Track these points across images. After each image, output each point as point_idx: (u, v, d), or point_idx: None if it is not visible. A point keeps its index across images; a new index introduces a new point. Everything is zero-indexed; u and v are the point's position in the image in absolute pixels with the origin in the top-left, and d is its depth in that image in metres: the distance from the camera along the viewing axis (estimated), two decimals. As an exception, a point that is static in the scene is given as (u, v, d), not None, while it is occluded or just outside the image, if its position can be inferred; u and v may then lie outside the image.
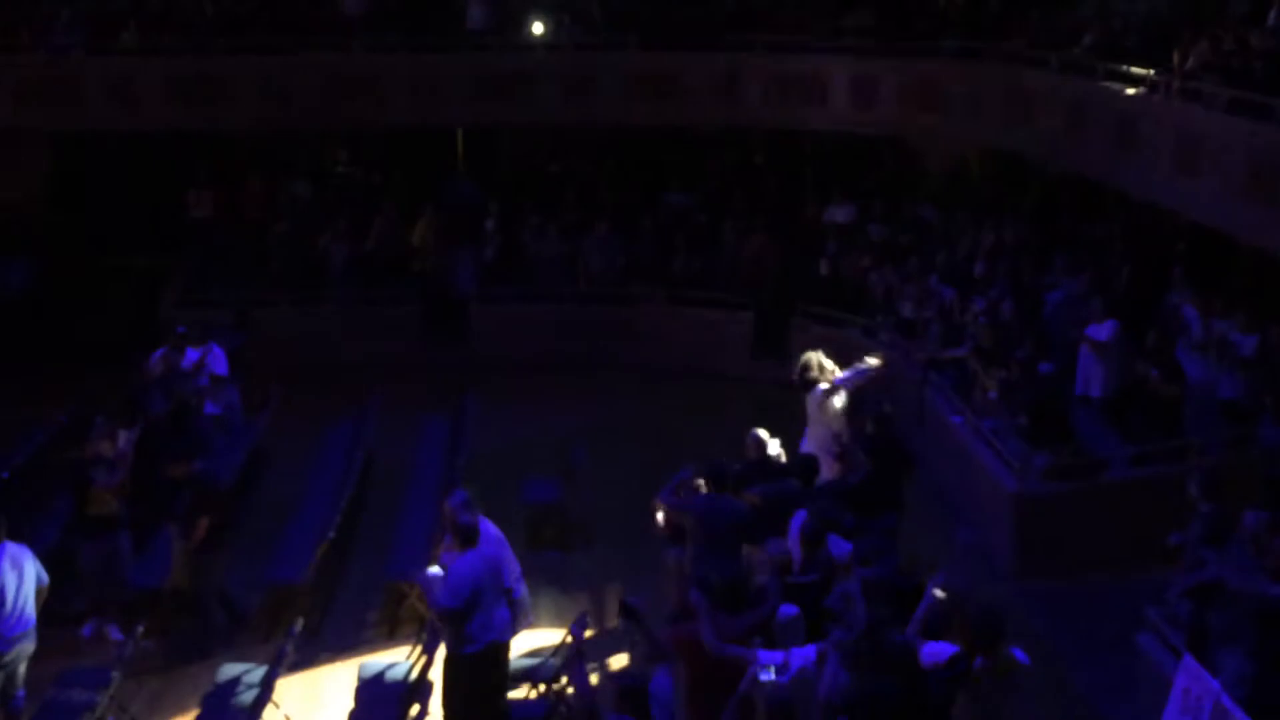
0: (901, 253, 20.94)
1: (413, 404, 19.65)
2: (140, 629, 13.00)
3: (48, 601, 12.72)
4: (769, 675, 9.81)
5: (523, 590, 12.98)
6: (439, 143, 25.46)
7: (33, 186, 25.21)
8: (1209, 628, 11.44)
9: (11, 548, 12.39)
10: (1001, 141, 21.62)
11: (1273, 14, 17.16)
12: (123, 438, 15.49)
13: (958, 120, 21.69)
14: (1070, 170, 20.55)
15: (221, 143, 25.02)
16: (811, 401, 15.18)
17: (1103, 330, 16.57)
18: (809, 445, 14.96)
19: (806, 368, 15.29)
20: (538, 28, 23.63)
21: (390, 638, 14.59)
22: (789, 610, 10.75)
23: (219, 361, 18.34)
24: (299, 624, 13.11)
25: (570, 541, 16.45)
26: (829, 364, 15.36)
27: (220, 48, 23.36)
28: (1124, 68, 18.37)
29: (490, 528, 12.77)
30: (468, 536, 12.05)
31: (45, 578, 12.60)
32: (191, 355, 18.06)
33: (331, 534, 15.08)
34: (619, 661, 13.93)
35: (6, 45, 23.42)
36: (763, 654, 10.13)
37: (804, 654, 10.12)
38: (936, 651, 9.79)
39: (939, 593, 10.26)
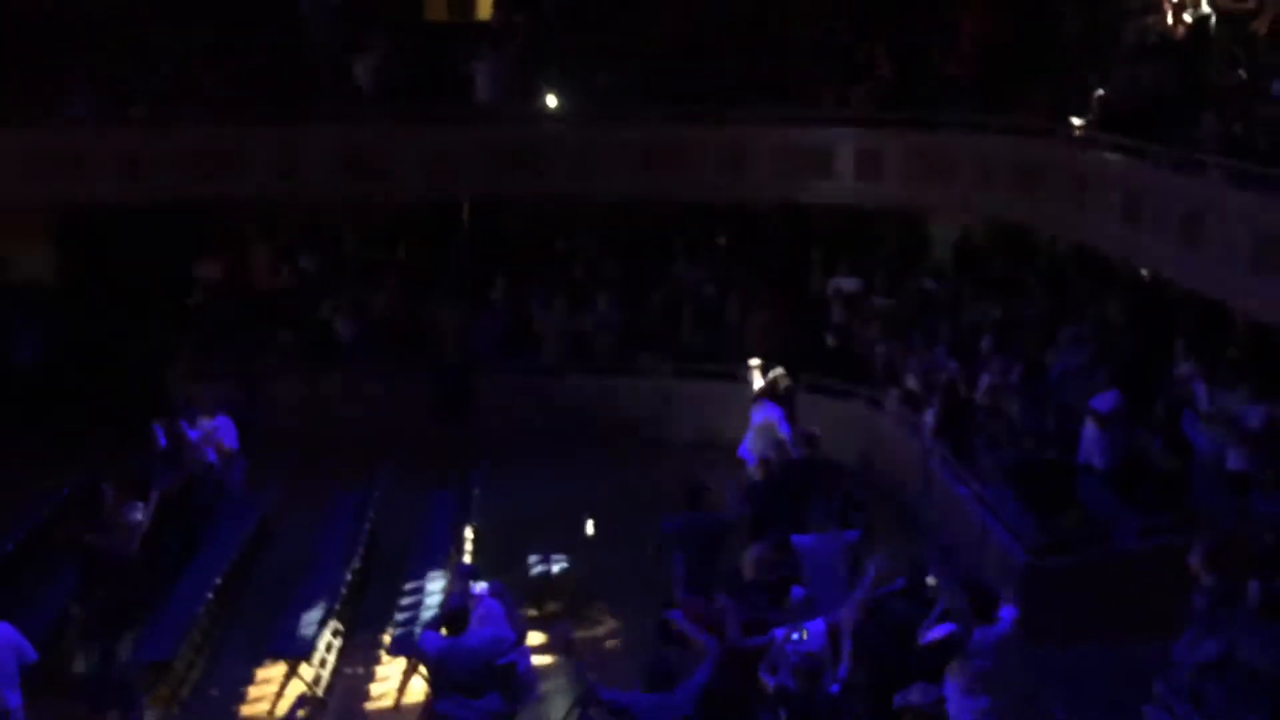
0: (907, 325, 20.97)
1: (419, 476, 19.64)
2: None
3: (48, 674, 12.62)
4: (797, 637, 11.80)
5: (527, 663, 12.96)
6: (446, 215, 25.56)
7: (42, 258, 25.27)
8: (1213, 699, 11.40)
9: None
10: (1008, 213, 21.67)
11: (1277, 84, 17.22)
12: (135, 510, 15.51)
13: (964, 192, 21.75)
14: (1077, 242, 20.58)
15: (230, 214, 25.14)
16: (759, 413, 16.53)
17: (1105, 401, 16.57)
18: (746, 450, 16.78)
19: (776, 383, 16.96)
20: (551, 101, 23.75)
21: (396, 711, 14.55)
22: (799, 592, 12.75)
23: (228, 433, 18.36)
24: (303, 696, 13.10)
25: (578, 612, 16.40)
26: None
27: (230, 121, 23.50)
28: (1129, 140, 18.43)
29: (493, 604, 12.77)
30: (451, 621, 12.06)
31: (31, 655, 12.47)
32: (201, 426, 18.07)
33: (336, 606, 15.06)
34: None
35: (18, 119, 23.57)
36: (778, 631, 11.96)
37: (815, 626, 12.10)
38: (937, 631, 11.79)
39: (931, 580, 12.39)
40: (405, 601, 15.78)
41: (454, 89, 24.04)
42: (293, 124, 23.47)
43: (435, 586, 15.63)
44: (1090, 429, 16.65)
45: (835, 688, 11.73)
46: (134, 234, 24.86)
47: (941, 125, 22.02)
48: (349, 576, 15.98)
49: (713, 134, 23.22)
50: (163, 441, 17.77)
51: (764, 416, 16.98)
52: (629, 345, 22.92)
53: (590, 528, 16.89)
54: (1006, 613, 12.12)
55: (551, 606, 16.47)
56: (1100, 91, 19.77)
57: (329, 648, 15.40)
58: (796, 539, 14.16)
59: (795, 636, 11.88)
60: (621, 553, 16.95)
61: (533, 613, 15.94)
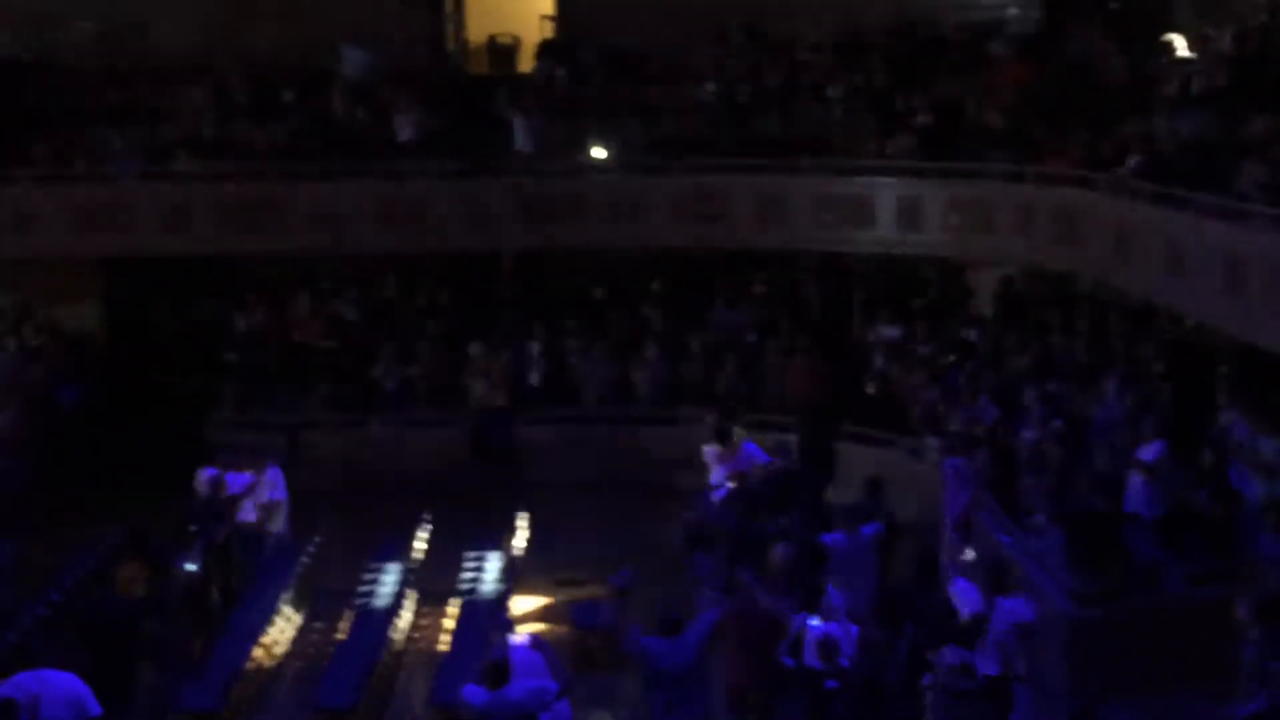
0: (948, 373, 20.92)
1: (462, 526, 19.66)
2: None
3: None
4: (815, 620, 13.18)
5: (569, 714, 12.93)
6: (487, 265, 25.66)
7: (86, 310, 25.43)
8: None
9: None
10: (1049, 262, 21.64)
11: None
12: (185, 560, 15.58)
13: (1005, 241, 21.74)
14: (1119, 290, 20.54)
15: (271, 265, 25.31)
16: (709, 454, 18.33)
17: (1151, 451, 16.50)
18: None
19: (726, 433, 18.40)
20: (598, 152, 23.84)
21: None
22: (836, 596, 13.73)
23: (277, 484, 18.42)
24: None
25: (620, 664, 16.34)
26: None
27: (272, 174, 23.65)
28: (1171, 189, 18.40)
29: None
30: (493, 674, 12.04)
31: (95, 709, 12.40)
32: (244, 478, 18.11)
33: (381, 658, 15.06)
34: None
35: (62, 174, 23.79)
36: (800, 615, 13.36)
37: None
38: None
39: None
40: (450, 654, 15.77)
41: (494, 141, 24.16)
42: (333, 176, 23.64)
43: (477, 638, 15.61)
44: (1136, 479, 16.56)
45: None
46: (177, 284, 25.04)
47: (981, 174, 22.04)
48: (390, 631, 15.98)
49: (752, 184, 23.28)
50: (205, 491, 17.82)
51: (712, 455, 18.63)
52: (669, 393, 22.92)
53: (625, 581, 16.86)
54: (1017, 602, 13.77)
55: (593, 658, 16.43)
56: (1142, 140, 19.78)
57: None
58: (825, 537, 15.52)
59: (813, 620, 13.22)
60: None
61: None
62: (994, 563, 14.96)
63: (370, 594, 17.34)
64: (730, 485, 17.90)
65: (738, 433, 18.88)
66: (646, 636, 13.12)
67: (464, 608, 17.10)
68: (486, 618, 15.91)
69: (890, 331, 22.54)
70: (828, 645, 13.00)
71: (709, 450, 18.76)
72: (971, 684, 11.96)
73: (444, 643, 16.41)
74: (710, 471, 18.56)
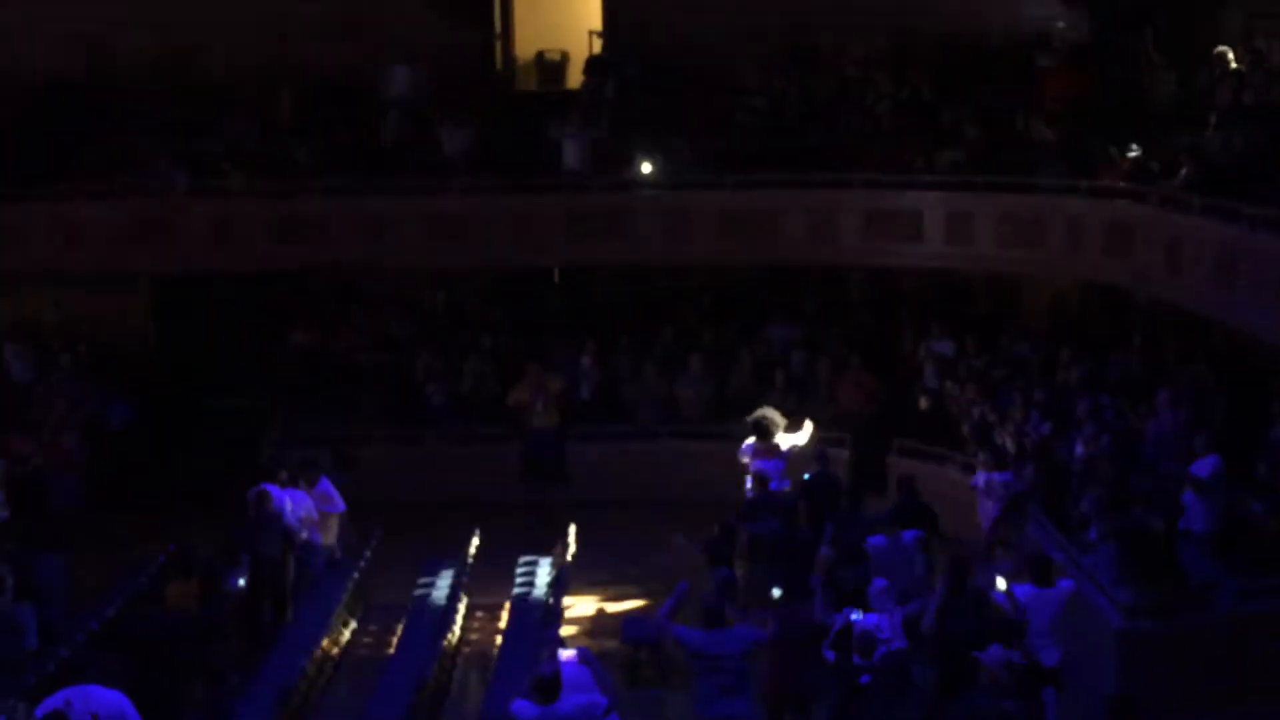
0: (999, 388, 20.82)
1: (512, 542, 19.68)
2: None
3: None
4: (858, 616, 13.65)
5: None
6: (536, 281, 25.68)
7: (135, 327, 25.56)
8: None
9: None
10: (1100, 275, 21.53)
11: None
12: (235, 577, 15.63)
13: (1055, 254, 21.65)
14: (1171, 303, 20.42)
15: (320, 281, 25.42)
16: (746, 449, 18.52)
17: (1205, 466, 16.37)
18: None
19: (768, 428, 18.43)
20: (645, 168, 23.86)
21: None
22: (880, 582, 14.19)
23: (330, 497, 18.48)
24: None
25: (670, 679, 16.31)
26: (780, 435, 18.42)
27: (320, 190, 23.74)
28: (1222, 201, 18.28)
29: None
30: (543, 689, 12.00)
31: None
32: (295, 494, 18.16)
33: (429, 676, 15.07)
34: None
35: (111, 190, 23.94)
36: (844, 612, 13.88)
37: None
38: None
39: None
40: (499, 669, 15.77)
41: (542, 157, 24.19)
42: (381, 192, 23.72)
43: (527, 654, 15.60)
44: (1189, 494, 16.44)
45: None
46: (227, 301, 25.14)
47: (1031, 188, 21.95)
48: (441, 646, 16.00)
49: (800, 199, 23.25)
50: (257, 508, 17.85)
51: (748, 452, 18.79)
52: (719, 409, 22.88)
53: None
54: (1065, 583, 14.46)
55: (642, 672, 16.41)
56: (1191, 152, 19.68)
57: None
58: (870, 540, 15.85)
59: (855, 615, 13.67)
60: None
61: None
62: (1036, 558, 15.09)
63: (422, 606, 17.38)
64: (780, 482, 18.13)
65: (777, 429, 18.79)
66: (685, 628, 13.54)
67: (513, 610, 17.15)
68: (537, 625, 15.93)
69: (942, 346, 22.46)
70: (865, 640, 13.32)
71: (746, 446, 18.83)
72: (1008, 677, 12.10)
73: (495, 652, 16.40)
74: (749, 467, 18.65)
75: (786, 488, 18.34)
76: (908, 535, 16.07)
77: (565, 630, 16.14)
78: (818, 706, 14.01)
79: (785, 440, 18.73)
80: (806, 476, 18.18)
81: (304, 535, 17.90)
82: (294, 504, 17.92)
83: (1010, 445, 19.42)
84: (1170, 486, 16.85)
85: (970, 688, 12.15)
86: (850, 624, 13.65)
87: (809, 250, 23.54)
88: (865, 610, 13.86)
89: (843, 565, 15.14)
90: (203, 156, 24.71)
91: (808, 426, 18.99)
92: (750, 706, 13.41)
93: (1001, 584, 13.86)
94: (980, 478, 18.40)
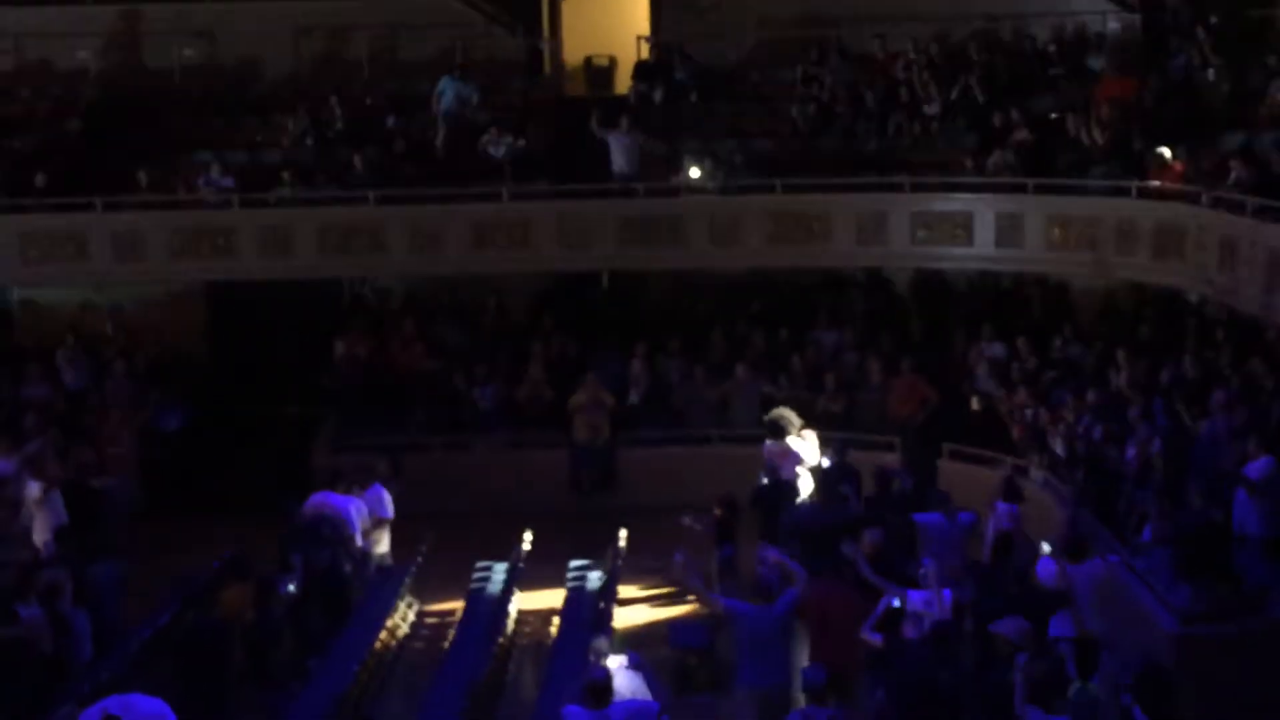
0: (1052, 391, 20.74)
1: (562, 547, 19.71)
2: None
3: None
4: (896, 602, 14.14)
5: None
6: (586, 286, 25.72)
7: (188, 334, 25.71)
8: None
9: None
10: (1152, 277, 21.44)
11: None
12: (286, 583, 15.70)
13: (1107, 256, 21.55)
14: (1224, 305, 20.30)
15: (372, 289, 25.53)
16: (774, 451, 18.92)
17: (1257, 468, 16.26)
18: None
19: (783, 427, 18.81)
20: (694, 173, 23.88)
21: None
22: (929, 563, 14.81)
23: (382, 503, 18.56)
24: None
25: (720, 685, 16.30)
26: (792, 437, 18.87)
27: (370, 198, 23.85)
28: (1274, 202, 18.16)
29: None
30: (595, 694, 12.00)
31: None
32: (349, 500, 18.24)
33: (481, 679, 15.10)
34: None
35: (165, 199, 24.10)
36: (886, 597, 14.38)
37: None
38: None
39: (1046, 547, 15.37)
40: (550, 675, 15.79)
41: (591, 162, 24.23)
42: (431, 200, 23.79)
43: (578, 659, 15.62)
44: (1243, 496, 16.33)
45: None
46: (280, 308, 25.27)
47: (1082, 189, 21.85)
48: (493, 650, 16.03)
49: (850, 202, 23.22)
50: (309, 513, 17.95)
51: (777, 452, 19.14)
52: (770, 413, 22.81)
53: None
54: (1096, 561, 15.15)
55: (692, 677, 16.39)
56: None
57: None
58: (919, 517, 16.78)
59: (897, 602, 14.14)
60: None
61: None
62: (1071, 537, 15.69)
63: (473, 610, 17.43)
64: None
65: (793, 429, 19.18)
66: (741, 602, 14.39)
67: (564, 614, 17.28)
68: (588, 630, 15.94)
69: (995, 348, 22.37)
70: (916, 618, 13.85)
71: (769, 445, 19.26)
72: (1037, 647, 12.53)
73: (547, 657, 16.43)
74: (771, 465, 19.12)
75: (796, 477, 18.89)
76: (963, 516, 16.86)
77: (615, 635, 16.11)
78: (857, 683, 14.40)
79: (797, 444, 19.01)
80: (824, 462, 18.80)
81: (361, 542, 18.00)
82: (356, 511, 18.02)
83: (1062, 449, 19.34)
84: (1224, 489, 16.74)
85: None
86: (893, 608, 14.07)
87: (858, 253, 23.54)
88: (916, 588, 14.45)
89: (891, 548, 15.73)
90: (256, 165, 24.87)
91: (811, 437, 19.24)
92: (791, 677, 13.87)
93: (1046, 548, 14.70)
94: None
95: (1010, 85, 24.30)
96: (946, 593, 14.23)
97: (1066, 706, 11.65)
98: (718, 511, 18.60)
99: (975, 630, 13.82)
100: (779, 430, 19.08)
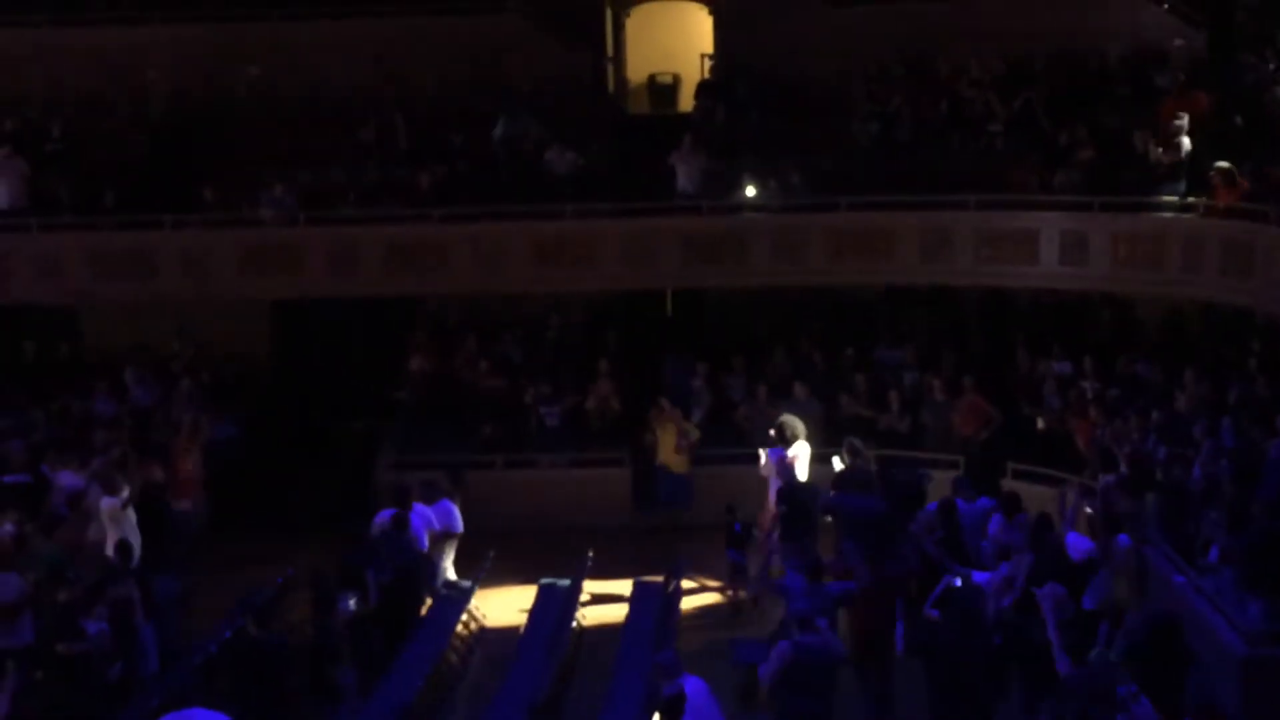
0: (1118, 410, 20.59)
1: (624, 565, 19.74)
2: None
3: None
4: (958, 582, 14.91)
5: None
6: (649, 302, 25.75)
7: (255, 351, 25.89)
8: None
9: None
10: (1220, 295, 21.26)
11: None
12: (347, 599, 15.78)
13: (1174, 275, 21.41)
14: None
15: (435, 305, 25.64)
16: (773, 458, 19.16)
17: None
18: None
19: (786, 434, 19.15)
20: (750, 191, 23.88)
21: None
22: (987, 546, 16.85)
23: (450, 516, 18.62)
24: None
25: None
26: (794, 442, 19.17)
27: (435, 216, 23.96)
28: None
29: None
30: (668, 710, 11.97)
31: None
32: (421, 516, 18.30)
33: (543, 697, 15.11)
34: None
35: (231, 218, 24.30)
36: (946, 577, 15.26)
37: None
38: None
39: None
40: (613, 693, 15.79)
41: (655, 180, 24.26)
42: (495, 217, 23.88)
43: (640, 677, 15.62)
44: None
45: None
46: (345, 325, 25.42)
47: (1148, 207, 21.72)
48: (555, 667, 16.05)
49: (914, 220, 23.16)
50: (377, 529, 18.01)
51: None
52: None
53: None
54: (1123, 538, 16.28)
55: (754, 695, 16.34)
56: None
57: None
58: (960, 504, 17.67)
59: (958, 581, 14.89)
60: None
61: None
62: (1107, 515, 17.06)
63: (536, 625, 17.47)
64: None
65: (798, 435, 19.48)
66: (798, 580, 15.20)
67: (627, 630, 17.27)
68: (651, 646, 15.96)
69: (1062, 367, 22.24)
70: (979, 594, 14.94)
71: (778, 452, 19.47)
72: (1072, 613, 13.91)
73: (610, 672, 16.43)
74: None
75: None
76: (983, 501, 17.94)
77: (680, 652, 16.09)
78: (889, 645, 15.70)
79: (794, 451, 19.26)
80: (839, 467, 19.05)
81: (428, 554, 18.09)
82: (425, 526, 18.11)
83: (1127, 467, 19.19)
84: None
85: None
86: (954, 586, 14.87)
87: (922, 271, 23.45)
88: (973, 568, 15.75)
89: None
90: (322, 183, 25.04)
91: (803, 448, 19.42)
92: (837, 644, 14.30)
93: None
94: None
95: (1076, 102, 24.18)
96: (1003, 567, 15.60)
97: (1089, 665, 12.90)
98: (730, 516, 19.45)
99: (1020, 596, 15.06)
100: (784, 436, 19.33)
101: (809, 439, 19.51)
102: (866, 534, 16.78)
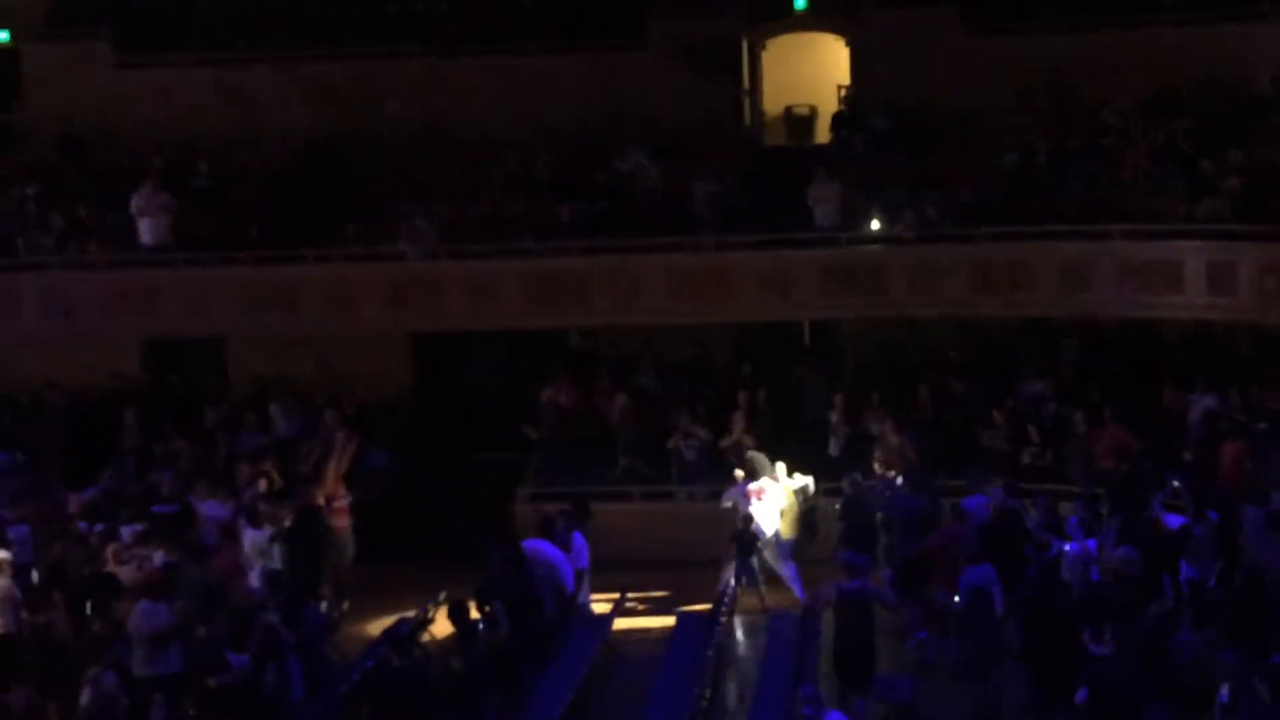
0: (1262, 443, 20.22)
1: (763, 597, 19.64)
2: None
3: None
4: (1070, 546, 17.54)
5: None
6: (786, 333, 25.70)
7: (398, 384, 26.16)
8: None
9: None
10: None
11: None
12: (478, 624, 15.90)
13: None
14: None
15: (573, 336, 25.77)
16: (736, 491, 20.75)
17: None
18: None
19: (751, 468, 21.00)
20: (875, 224, 23.82)
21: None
22: (1074, 520, 18.69)
23: (581, 551, 18.69)
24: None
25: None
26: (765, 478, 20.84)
27: (575, 248, 24.10)
28: None
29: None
30: None
31: None
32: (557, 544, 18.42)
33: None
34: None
35: (374, 252, 24.61)
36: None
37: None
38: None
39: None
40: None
41: (793, 211, 24.24)
42: (633, 250, 23.98)
43: (781, 709, 15.55)
44: None
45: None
46: (485, 357, 25.63)
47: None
48: (696, 700, 16.01)
49: (1056, 251, 22.93)
50: (512, 558, 18.11)
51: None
52: (969, 464, 22.52)
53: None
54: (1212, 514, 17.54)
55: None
56: None
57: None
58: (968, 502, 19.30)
59: (1068, 546, 17.32)
60: (961, 688, 16.68)
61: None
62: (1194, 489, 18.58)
63: (674, 658, 17.45)
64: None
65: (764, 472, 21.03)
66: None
67: (766, 666, 17.17)
68: (791, 680, 15.90)
69: (1208, 399, 21.84)
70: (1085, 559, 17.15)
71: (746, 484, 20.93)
72: (1138, 571, 16.11)
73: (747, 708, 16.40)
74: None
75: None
76: (995, 492, 19.39)
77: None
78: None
79: (757, 485, 20.84)
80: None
81: (571, 589, 18.18)
82: (568, 558, 18.22)
83: (1277, 502, 18.82)
84: None
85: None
86: (1064, 552, 17.27)
87: (1063, 302, 23.19)
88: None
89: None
90: (461, 218, 25.29)
91: (769, 484, 20.92)
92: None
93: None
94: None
95: (1224, 130, 23.81)
96: (1092, 543, 17.40)
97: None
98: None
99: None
100: (750, 470, 21.04)
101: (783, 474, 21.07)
102: (914, 529, 19.38)
